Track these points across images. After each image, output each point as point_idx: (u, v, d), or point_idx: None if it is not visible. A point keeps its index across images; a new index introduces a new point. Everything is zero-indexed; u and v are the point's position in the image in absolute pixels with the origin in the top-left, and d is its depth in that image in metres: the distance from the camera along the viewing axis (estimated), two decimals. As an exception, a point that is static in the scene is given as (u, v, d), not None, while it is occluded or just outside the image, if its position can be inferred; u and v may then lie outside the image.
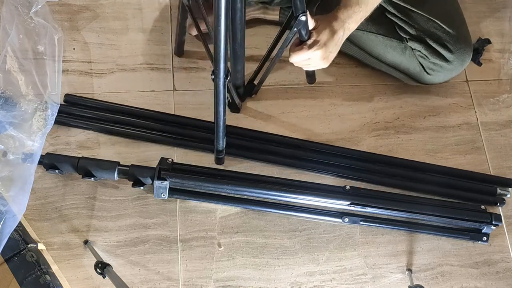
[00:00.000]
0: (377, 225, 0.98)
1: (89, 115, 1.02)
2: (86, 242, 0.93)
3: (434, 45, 0.96)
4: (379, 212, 0.96)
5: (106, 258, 0.92)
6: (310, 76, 1.04)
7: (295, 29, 0.78)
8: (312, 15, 0.81)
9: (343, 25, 0.83)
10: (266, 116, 1.06)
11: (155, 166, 0.91)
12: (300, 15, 0.75)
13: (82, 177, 0.92)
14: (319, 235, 0.98)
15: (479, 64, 1.14)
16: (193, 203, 0.98)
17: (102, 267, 0.84)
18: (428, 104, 1.11)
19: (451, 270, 0.97)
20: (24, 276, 0.85)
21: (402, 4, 0.96)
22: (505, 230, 1.01)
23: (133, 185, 0.91)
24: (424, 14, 0.95)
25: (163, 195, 0.92)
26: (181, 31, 1.00)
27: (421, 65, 1.00)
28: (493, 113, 1.11)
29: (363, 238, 0.98)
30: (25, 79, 0.98)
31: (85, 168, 0.90)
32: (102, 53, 1.09)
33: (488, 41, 1.15)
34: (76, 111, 1.02)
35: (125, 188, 0.98)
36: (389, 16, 1.00)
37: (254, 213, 0.98)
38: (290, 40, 0.82)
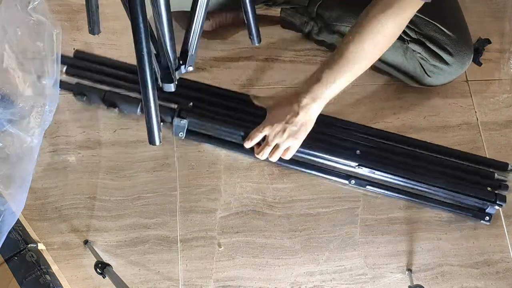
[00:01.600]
0: (383, 190, 0.99)
1: (98, 70, 1.04)
2: (86, 242, 0.93)
3: (434, 48, 0.96)
4: (386, 178, 0.98)
5: (106, 258, 0.92)
6: None
7: None
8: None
9: (298, 99, 0.88)
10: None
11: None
12: None
13: (107, 107, 0.99)
14: (319, 235, 0.98)
15: (479, 64, 1.14)
16: (193, 203, 0.98)
17: (102, 267, 0.84)
18: (428, 104, 1.11)
19: (451, 270, 0.98)
20: (24, 276, 0.85)
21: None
22: (505, 230, 1.01)
23: None
24: (424, 17, 0.95)
25: (181, 134, 0.97)
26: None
27: (422, 67, 1.00)
28: (493, 113, 1.11)
29: (363, 238, 0.98)
30: (23, 75, 0.97)
31: (111, 100, 0.96)
32: (102, 53, 1.09)
33: (488, 41, 1.15)
34: (86, 66, 1.05)
35: (125, 188, 0.98)
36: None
37: (254, 213, 0.98)
38: None
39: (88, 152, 1.00)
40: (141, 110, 0.95)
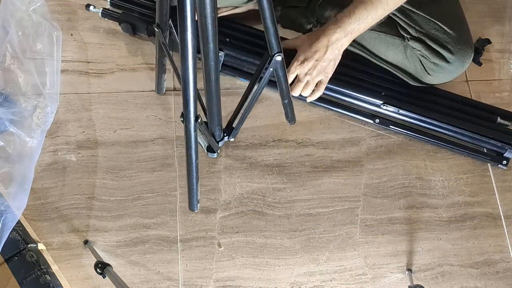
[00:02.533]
0: (405, 131, 1.04)
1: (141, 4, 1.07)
2: (86, 242, 0.93)
3: (434, 45, 0.96)
4: (409, 119, 1.04)
5: (106, 258, 0.92)
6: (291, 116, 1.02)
7: (271, 69, 0.77)
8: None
9: (328, 34, 0.89)
10: (266, 115, 1.06)
11: None
12: (276, 55, 0.73)
13: (148, 37, 1.04)
14: (319, 235, 0.98)
15: (479, 64, 1.14)
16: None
17: (102, 267, 0.84)
18: (428, 104, 1.11)
19: (451, 270, 0.98)
20: (24, 276, 0.85)
21: (402, 4, 0.96)
22: (505, 230, 1.01)
23: None
24: (425, 15, 0.95)
25: None
26: (160, 69, 0.97)
27: (422, 65, 1.00)
28: (493, 113, 1.11)
29: (363, 238, 0.98)
30: (25, 76, 0.98)
31: (154, 31, 0.99)
32: (102, 53, 1.09)
33: (488, 41, 1.15)
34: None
35: (125, 188, 0.98)
36: (390, 15, 1.00)
37: (254, 213, 0.99)
38: (266, 80, 0.80)
39: (88, 152, 1.00)
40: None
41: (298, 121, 1.06)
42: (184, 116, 0.69)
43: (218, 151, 0.86)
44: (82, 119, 1.03)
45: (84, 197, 0.97)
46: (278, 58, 0.74)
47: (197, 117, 0.70)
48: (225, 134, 0.86)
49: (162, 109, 1.05)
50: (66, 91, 1.04)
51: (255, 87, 0.83)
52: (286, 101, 0.92)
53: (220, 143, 0.84)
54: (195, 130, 0.71)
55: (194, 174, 0.78)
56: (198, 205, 0.85)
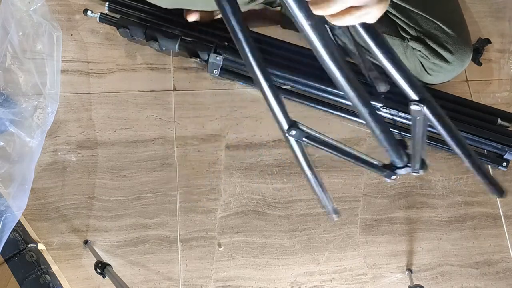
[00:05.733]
0: (404, 133, 1.02)
1: (139, 8, 1.07)
2: (86, 242, 0.93)
3: (434, 45, 0.96)
4: (409, 120, 1.01)
5: (106, 258, 0.92)
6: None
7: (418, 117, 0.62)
8: None
9: None
10: (266, 115, 1.06)
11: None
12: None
13: (147, 41, 1.02)
14: (319, 235, 0.98)
15: (479, 64, 1.14)
16: (193, 203, 0.98)
17: (102, 267, 0.84)
18: (428, 104, 1.11)
19: (451, 270, 0.98)
20: (24, 276, 0.85)
21: (402, 4, 0.96)
22: (505, 230, 1.01)
23: (191, 57, 1.03)
24: (425, 15, 0.95)
25: (215, 71, 1.01)
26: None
27: (422, 65, 1.00)
28: (493, 113, 1.11)
29: (363, 238, 0.98)
30: (25, 77, 0.98)
31: (152, 34, 1.01)
32: (102, 53, 1.09)
33: (488, 41, 1.15)
34: (127, 3, 1.07)
35: (125, 188, 0.98)
36: (390, 15, 1.00)
37: (254, 213, 0.99)
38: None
39: (88, 152, 1.00)
40: (180, 47, 1.00)
41: (297, 120, 1.06)
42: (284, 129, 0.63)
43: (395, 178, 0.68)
44: (82, 119, 1.03)
45: (84, 197, 0.97)
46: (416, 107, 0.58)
47: (292, 124, 0.64)
48: (409, 164, 0.67)
49: (162, 109, 1.05)
50: (66, 91, 1.04)
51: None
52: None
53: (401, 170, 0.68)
54: (295, 138, 0.65)
55: (317, 182, 0.68)
56: (338, 214, 0.72)
